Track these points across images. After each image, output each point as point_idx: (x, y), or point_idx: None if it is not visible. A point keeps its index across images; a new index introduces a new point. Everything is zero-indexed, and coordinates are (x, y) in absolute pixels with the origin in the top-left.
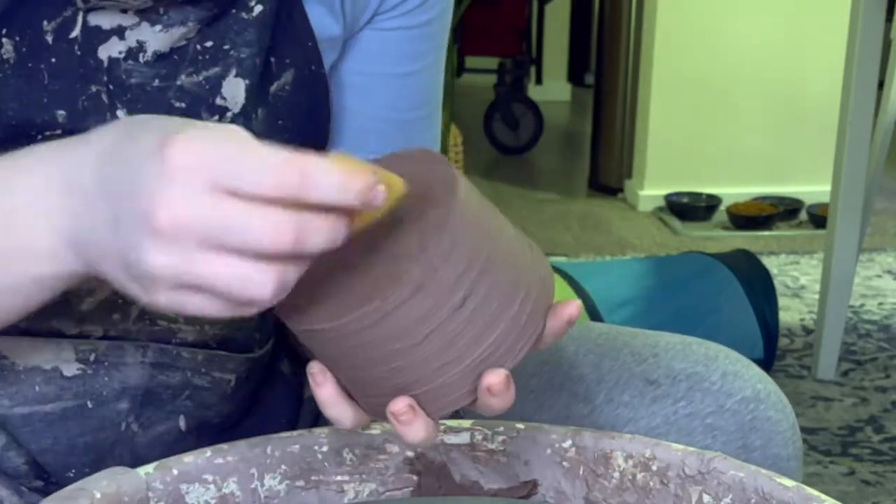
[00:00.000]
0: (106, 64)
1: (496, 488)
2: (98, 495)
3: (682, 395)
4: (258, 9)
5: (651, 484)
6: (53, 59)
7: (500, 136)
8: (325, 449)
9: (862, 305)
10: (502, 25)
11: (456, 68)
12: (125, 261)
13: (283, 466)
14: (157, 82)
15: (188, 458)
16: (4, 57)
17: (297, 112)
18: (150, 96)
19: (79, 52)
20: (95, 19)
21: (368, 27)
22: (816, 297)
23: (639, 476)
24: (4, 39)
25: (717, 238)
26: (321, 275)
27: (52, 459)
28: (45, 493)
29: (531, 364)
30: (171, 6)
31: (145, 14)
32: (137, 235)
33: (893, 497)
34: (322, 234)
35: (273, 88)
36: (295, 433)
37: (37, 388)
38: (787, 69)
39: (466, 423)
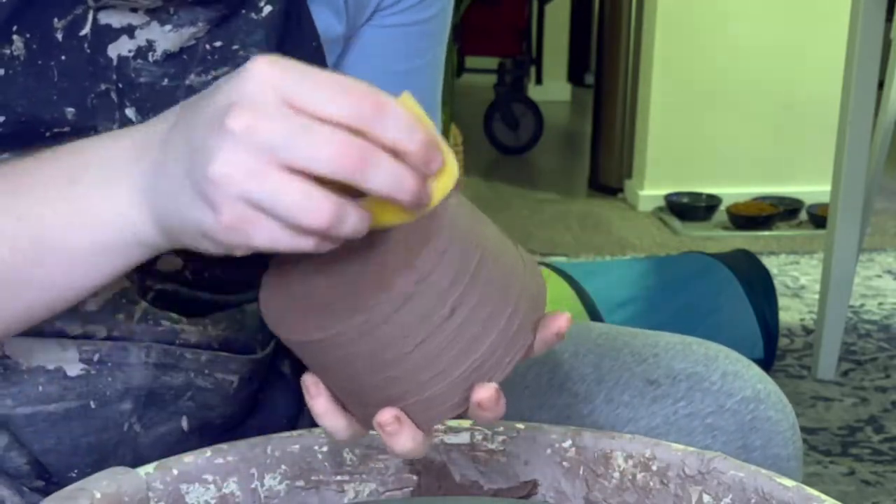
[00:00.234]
0: (115, 62)
1: (496, 488)
2: (98, 495)
3: (682, 395)
4: (267, 9)
5: (651, 484)
6: (63, 57)
7: (500, 136)
8: (325, 449)
9: (862, 305)
10: (502, 25)
11: (456, 68)
12: (194, 175)
13: (283, 466)
14: (166, 81)
15: (188, 458)
16: (14, 54)
17: None
18: (159, 95)
19: (88, 51)
20: (105, 18)
21: (368, 24)
22: (816, 297)
23: (639, 476)
24: (15, 37)
25: (717, 238)
26: (310, 286)
27: (55, 460)
28: (47, 493)
29: (531, 364)
30: (181, 6)
31: (155, 13)
32: (209, 141)
33: (893, 497)
34: (385, 172)
35: None
36: (295, 433)
37: (40, 388)
38: (788, 69)
39: (466, 423)
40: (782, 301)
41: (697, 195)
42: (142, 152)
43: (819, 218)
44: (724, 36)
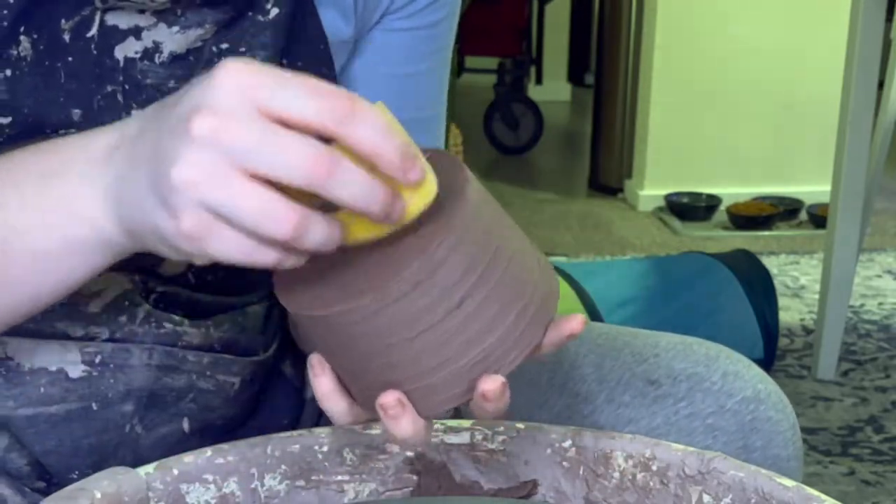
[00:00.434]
0: (122, 64)
1: (496, 488)
2: (98, 495)
3: (682, 396)
4: (274, 11)
5: (651, 484)
6: (70, 58)
7: (500, 136)
8: (325, 449)
9: (862, 305)
10: (502, 25)
11: (456, 68)
12: (156, 178)
13: (283, 466)
14: (172, 83)
15: (188, 458)
16: (22, 55)
17: None
18: (165, 97)
19: (95, 52)
20: (113, 19)
21: (377, 28)
22: (816, 297)
23: (639, 476)
24: (22, 37)
25: (717, 238)
26: (324, 261)
27: (56, 461)
28: (47, 493)
29: (532, 364)
30: (189, 8)
31: (162, 15)
32: (173, 144)
33: (893, 497)
34: (353, 182)
35: None
36: (295, 433)
37: (42, 389)
38: (788, 69)
39: (466, 423)
40: (782, 301)
41: (697, 195)
42: (113, 153)
43: (819, 218)
44: (724, 36)
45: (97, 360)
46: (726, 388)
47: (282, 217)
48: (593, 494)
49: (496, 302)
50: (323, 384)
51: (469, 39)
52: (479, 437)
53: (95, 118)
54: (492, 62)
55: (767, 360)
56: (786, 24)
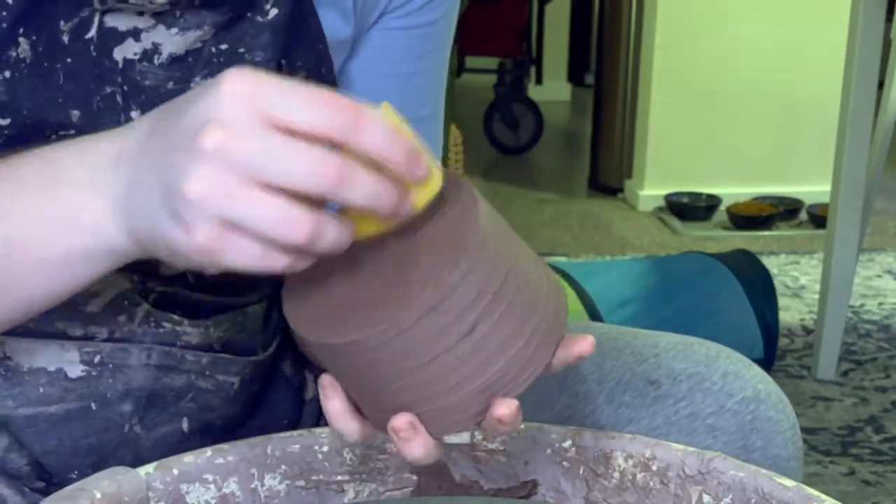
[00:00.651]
0: (121, 65)
1: (496, 488)
2: (98, 495)
3: (682, 396)
4: (273, 12)
5: (651, 484)
6: (69, 60)
7: (500, 136)
8: (325, 449)
9: (862, 305)
10: (502, 25)
11: (456, 68)
12: (167, 193)
13: (283, 466)
14: (171, 84)
15: (188, 458)
16: (21, 56)
17: None
18: (165, 98)
19: (94, 53)
20: (112, 21)
21: (375, 27)
22: (816, 297)
23: (639, 476)
24: (21, 39)
25: (717, 238)
26: (334, 289)
27: (55, 461)
28: (47, 493)
29: None
30: (188, 9)
31: (161, 17)
32: (183, 159)
33: (893, 497)
34: (363, 185)
35: None
36: (295, 433)
37: (41, 389)
38: (788, 69)
39: None
40: (782, 301)
41: (697, 195)
42: (122, 159)
43: (819, 218)
44: (724, 36)
45: (96, 359)
46: (726, 388)
47: (298, 223)
48: (593, 494)
49: (508, 325)
50: (334, 405)
51: (469, 39)
52: (479, 437)
53: (95, 119)
54: (492, 62)
55: (767, 360)
56: (786, 24)
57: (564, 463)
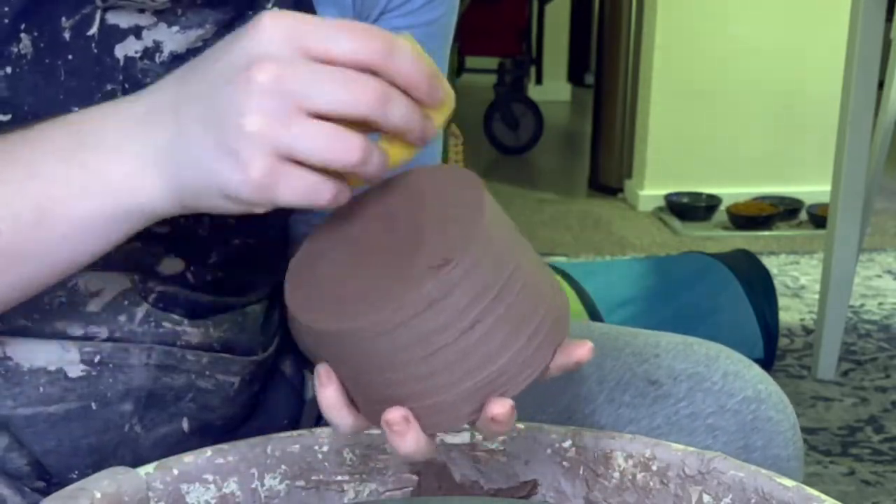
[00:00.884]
0: (122, 63)
1: (496, 488)
2: (98, 495)
3: (683, 396)
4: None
5: (651, 484)
6: (70, 56)
7: (500, 136)
8: (325, 449)
9: (862, 305)
10: (502, 25)
11: (456, 68)
12: (222, 132)
13: (283, 466)
14: None
15: (188, 458)
16: (22, 52)
17: None
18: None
19: (95, 50)
20: (113, 18)
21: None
22: (816, 297)
23: (639, 476)
24: (23, 35)
25: (717, 238)
26: (336, 276)
27: (55, 460)
28: (47, 493)
29: None
30: (190, 8)
31: (163, 15)
32: (236, 96)
33: (893, 497)
34: (400, 108)
35: None
36: (295, 433)
37: (41, 389)
38: (788, 69)
39: None
40: (782, 301)
41: (697, 195)
42: (153, 117)
43: (819, 218)
44: (724, 36)
45: (96, 359)
46: (727, 387)
47: (351, 146)
48: (593, 494)
49: (508, 324)
50: (328, 395)
51: (469, 39)
52: (479, 436)
53: None
54: (492, 62)
55: (767, 360)
56: (786, 24)
57: (564, 463)
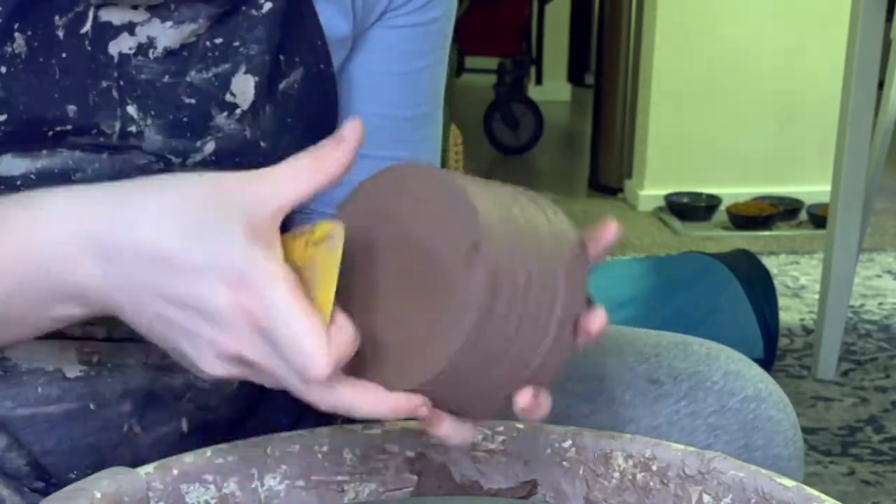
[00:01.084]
0: (116, 59)
1: (496, 488)
2: (98, 495)
3: (683, 395)
4: (268, 6)
5: (651, 484)
6: (64, 55)
7: (500, 136)
8: (325, 449)
9: (862, 305)
10: (502, 25)
11: (456, 68)
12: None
13: (283, 466)
14: (166, 78)
15: (188, 458)
16: (16, 52)
17: (305, 110)
18: (160, 92)
19: (89, 48)
20: (106, 15)
21: (377, 25)
22: (816, 297)
23: (639, 476)
24: (16, 34)
25: (717, 238)
26: (375, 332)
27: (55, 461)
28: (47, 493)
29: None
30: (183, 3)
31: (156, 10)
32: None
33: (893, 497)
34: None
35: (282, 86)
36: (295, 433)
37: (39, 389)
38: (788, 69)
39: None
40: (782, 301)
41: (697, 195)
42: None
43: (819, 218)
44: (723, 36)
45: (94, 359)
46: (727, 387)
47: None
48: (593, 494)
49: (541, 316)
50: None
51: (469, 39)
52: (479, 437)
53: (91, 114)
54: (492, 62)
55: (767, 360)
56: (786, 25)
57: (564, 463)
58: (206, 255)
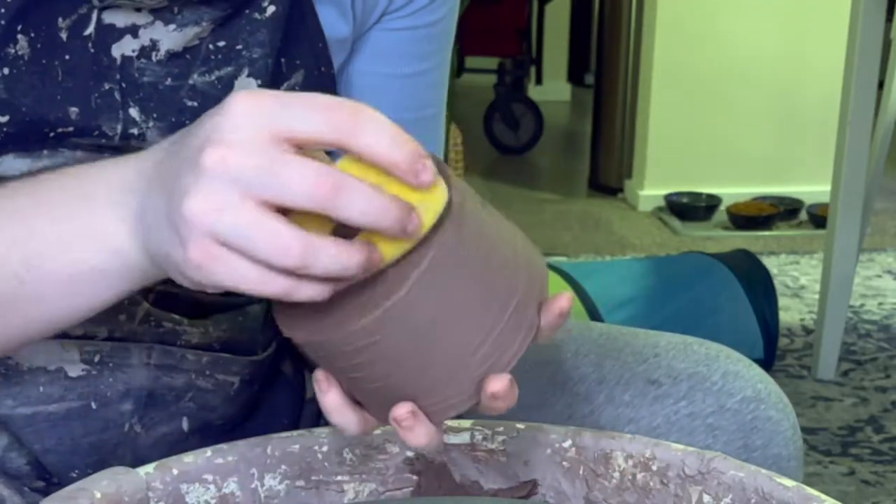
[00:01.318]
0: (119, 62)
1: (496, 488)
2: (98, 495)
3: (683, 395)
4: (271, 9)
5: (651, 484)
6: (67, 57)
7: (500, 136)
8: (325, 449)
9: (862, 305)
10: (502, 25)
11: (456, 68)
12: (170, 207)
13: (283, 466)
14: (169, 81)
15: (188, 458)
16: (19, 53)
17: None
18: (163, 95)
19: (92, 50)
20: (110, 17)
21: (376, 27)
22: (816, 297)
23: (639, 476)
24: (20, 36)
25: (717, 238)
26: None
27: (56, 460)
28: (47, 493)
29: (532, 364)
30: (186, 6)
31: (159, 13)
32: (185, 176)
33: (893, 497)
34: (361, 199)
35: (283, 89)
36: (295, 433)
37: (41, 388)
38: (788, 69)
39: (466, 423)
40: (782, 301)
41: (697, 195)
42: (136, 183)
43: (819, 218)
44: (723, 36)
45: (96, 359)
46: (727, 387)
47: (287, 244)
48: (593, 494)
49: (496, 300)
50: (330, 399)
51: (469, 39)
52: (479, 437)
53: (93, 116)
54: (492, 62)
55: (767, 360)
56: (786, 24)
57: (564, 463)
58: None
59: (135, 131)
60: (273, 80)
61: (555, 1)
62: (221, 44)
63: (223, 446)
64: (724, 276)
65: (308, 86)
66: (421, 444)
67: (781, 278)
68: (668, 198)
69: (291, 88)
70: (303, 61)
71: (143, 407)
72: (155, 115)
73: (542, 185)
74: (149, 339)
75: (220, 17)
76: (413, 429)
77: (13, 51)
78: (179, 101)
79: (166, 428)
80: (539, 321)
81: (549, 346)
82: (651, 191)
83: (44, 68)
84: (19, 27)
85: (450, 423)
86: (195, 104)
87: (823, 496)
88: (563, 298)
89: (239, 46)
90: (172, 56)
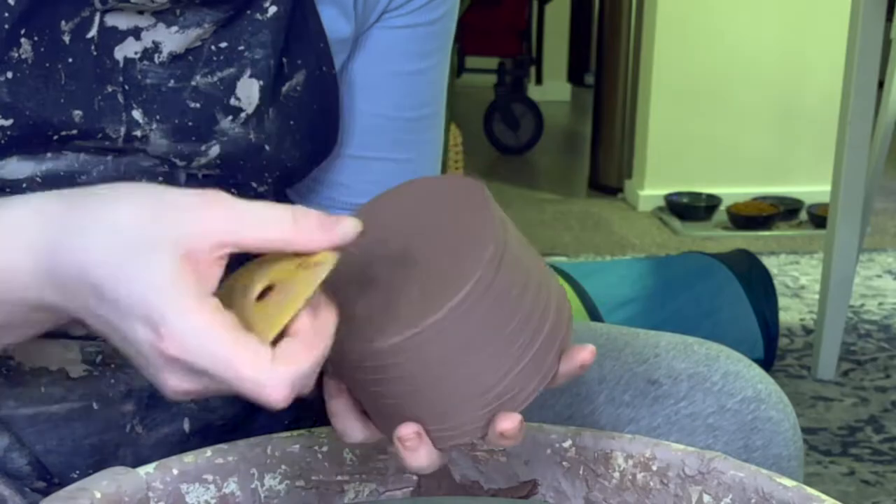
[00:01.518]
0: (122, 64)
1: (496, 488)
2: (98, 495)
3: (683, 395)
4: (272, 10)
5: (651, 484)
6: (70, 60)
7: (500, 136)
8: (325, 449)
9: (862, 305)
10: (502, 25)
11: (456, 68)
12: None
13: (283, 466)
14: (172, 83)
15: (188, 458)
16: (22, 57)
17: (308, 112)
18: (165, 97)
19: (95, 53)
20: (112, 20)
21: (376, 26)
22: (816, 297)
23: (639, 476)
24: (23, 39)
25: (717, 238)
26: (350, 301)
27: (57, 460)
28: (48, 493)
29: None
30: (188, 8)
31: (161, 15)
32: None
33: (893, 497)
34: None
35: (285, 89)
36: (295, 433)
37: (42, 388)
38: (788, 69)
39: None
40: (782, 301)
41: (697, 195)
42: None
43: (819, 218)
44: (724, 36)
45: (97, 359)
46: (727, 387)
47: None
48: (593, 494)
49: (519, 338)
50: (338, 404)
51: (469, 39)
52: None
53: (96, 119)
54: (492, 62)
55: (767, 360)
56: (786, 25)
57: (564, 463)
58: (129, 297)
59: (138, 133)
60: (274, 80)
61: (555, 1)
62: (223, 45)
63: (223, 446)
64: (724, 276)
65: (309, 85)
66: (420, 466)
67: (781, 278)
68: (668, 198)
69: (293, 88)
70: (304, 61)
71: (145, 408)
72: (158, 117)
73: (542, 185)
74: None
75: (222, 19)
76: (416, 450)
77: (17, 55)
78: (182, 103)
79: (167, 429)
80: (558, 368)
81: None
82: (651, 191)
83: (47, 72)
84: (23, 31)
85: None
86: (198, 106)
87: (823, 496)
88: (586, 351)
89: (241, 47)
90: (175, 58)
